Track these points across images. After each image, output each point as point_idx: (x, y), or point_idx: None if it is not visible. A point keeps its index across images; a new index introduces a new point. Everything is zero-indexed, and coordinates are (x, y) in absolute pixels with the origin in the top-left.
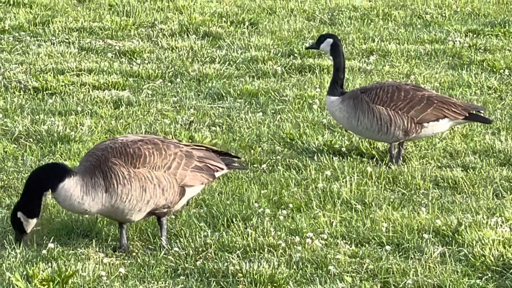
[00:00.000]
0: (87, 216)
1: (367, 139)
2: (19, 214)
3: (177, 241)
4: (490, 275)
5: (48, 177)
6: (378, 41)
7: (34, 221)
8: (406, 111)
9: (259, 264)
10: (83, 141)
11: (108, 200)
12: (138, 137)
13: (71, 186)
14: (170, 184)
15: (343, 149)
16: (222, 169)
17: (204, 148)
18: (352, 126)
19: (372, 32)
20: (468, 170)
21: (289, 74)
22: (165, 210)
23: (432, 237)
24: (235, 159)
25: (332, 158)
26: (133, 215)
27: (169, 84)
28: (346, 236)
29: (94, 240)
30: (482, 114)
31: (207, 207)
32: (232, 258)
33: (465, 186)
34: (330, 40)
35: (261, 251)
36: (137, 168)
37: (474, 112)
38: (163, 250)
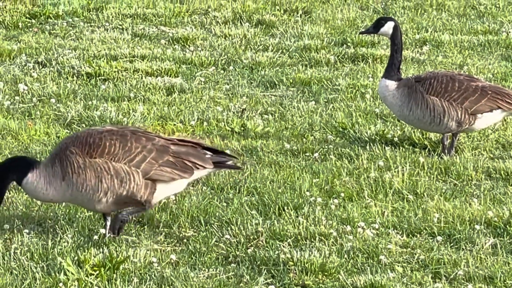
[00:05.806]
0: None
1: (419, 130)
2: None
3: (228, 228)
4: None
5: (11, 171)
6: (431, 32)
7: None
8: (460, 102)
9: (310, 252)
10: None
11: (66, 189)
12: (113, 128)
13: (35, 179)
14: (130, 176)
15: (395, 139)
16: (205, 167)
17: (191, 144)
18: (403, 115)
19: (426, 22)
20: None
21: (342, 63)
22: (137, 203)
23: (484, 228)
24: (231, 158)
25: (384, 147)
26: (95, 206)
27: (222, 71)
28: (398, 226)
29: (146, 227)
30: None
31: (258, 195)
32: (283, 247)
33: None
34: (392, 23)
35: (312, 239)
36: (93, 158)
37: None
38: (214, 237)
